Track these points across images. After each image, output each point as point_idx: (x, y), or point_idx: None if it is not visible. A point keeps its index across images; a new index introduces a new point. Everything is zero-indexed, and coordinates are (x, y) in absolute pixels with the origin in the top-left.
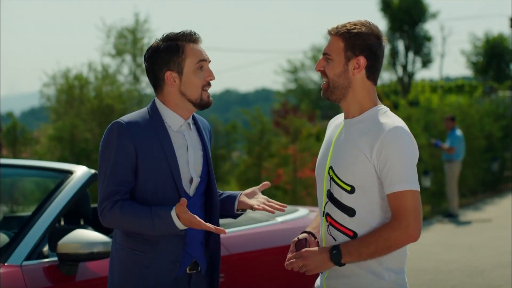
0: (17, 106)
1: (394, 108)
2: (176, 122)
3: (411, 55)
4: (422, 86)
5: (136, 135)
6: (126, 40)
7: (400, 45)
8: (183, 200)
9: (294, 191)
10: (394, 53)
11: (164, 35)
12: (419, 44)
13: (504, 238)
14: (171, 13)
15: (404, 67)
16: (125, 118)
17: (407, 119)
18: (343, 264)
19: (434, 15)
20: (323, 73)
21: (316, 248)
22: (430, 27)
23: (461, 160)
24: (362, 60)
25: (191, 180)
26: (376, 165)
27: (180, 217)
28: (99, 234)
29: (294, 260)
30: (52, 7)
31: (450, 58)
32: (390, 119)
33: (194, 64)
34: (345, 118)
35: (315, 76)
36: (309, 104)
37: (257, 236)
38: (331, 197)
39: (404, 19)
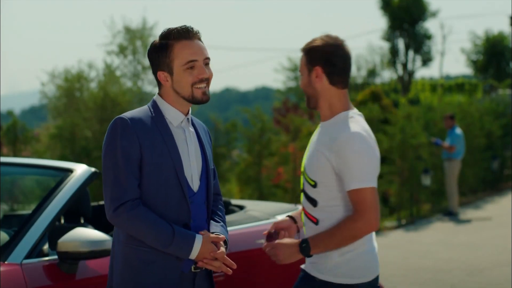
0: (17, 104)
1: (394, 106)
2: (176, 117)
3: (411, 53)
4: (422, 84)
5: (139, 131)
6: (131, 36)
7: (400, 44)
8: (220, 238)
9: (294, 190)
10: (394, 51)
11: (161, 32)
12: (419, 43)
13: (504, 236)
14: (171, 9)
15: (404, 66)
16: (127, 114)
17: (407, 118)
18: (311, 255)
19: (434, 14)
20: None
21: (287, 241)
22: (430, 25)
23: (461, 159)
24: (319, 70)
25: (192, 176)
26: (334, 166)
27: (204, 244)
28: (99, 232)
29: (268, 248)
30: (53, 6)
31: (450, 56)
32: (351, 124)
33: (183, 65)
34: (321, 121)
35: None
36: None
37: (256, 235)
38: (303, 189)
39: (404, 17)
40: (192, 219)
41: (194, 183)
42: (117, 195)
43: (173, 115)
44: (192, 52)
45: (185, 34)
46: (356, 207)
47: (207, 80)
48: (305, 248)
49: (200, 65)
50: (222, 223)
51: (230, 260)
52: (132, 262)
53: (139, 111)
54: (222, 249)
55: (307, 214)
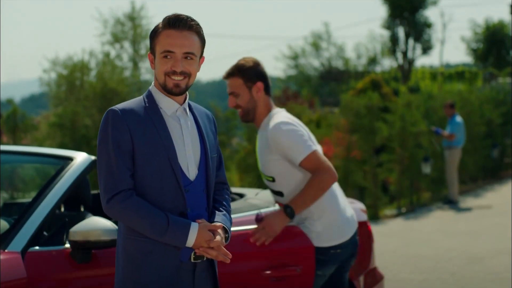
0: (17, 92)
1: (395, 94)
2: (170, 107)
3: (411, 41)
4: (422, 72)
5: (130, 121)
6: (124, 27)
7: (400, 32)
8: (217, 226)
9: None
10: (394, 40)
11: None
12: (419, 31)
13: (504, 225)
14: None
15: (404, 54)
16: (119, 105)
17: (407, 106)
18: (295, 216)
19: (434, 2)
20: (237, 106)
21: (272, 212)
22: (430, 13)
23: (461, 147)
24: (260, 84)
25: (188, 165)
26: (282, 156)
27: (200, 232)
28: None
29: (260, 227)
30: None
31: (450, 44)
32: (272, 120)
33: (160, 53)
34: (258, 128)
35: (316, 62)
36: (310, 91)
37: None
38: (269, 188)
39: (405, 5)
40: (189, 208)
41: (191, 171)
42: (110, 186)
43: (167, 105)
44: (171, 43)
45: (174, 23)
46: (314, 168)
47: (185, 74)
48: (290, 211)
49: (177, 57)
50: (224, 212)
51: (225, 250)
52: (132, 253)
53: (133, 102)
54: (218, 237)
55: (280, 205)
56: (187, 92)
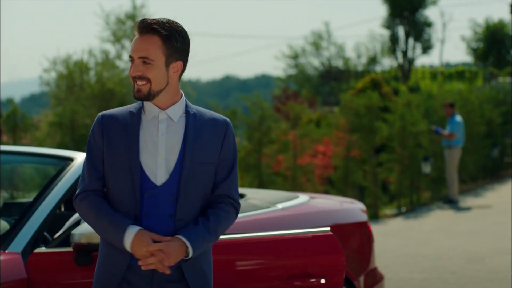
0: (17, 92)
1: (395, 94)
2: (150, 111)
3: (411, 41)
4: (422, 72)
5: (107, 126)
6: (125, 26)
7: (400, 31)
8: (163, 238)
9: (294, 177)
10: (394, 39)
11: None
12: (419, 30)
13: (504, 224)
14: None
15: (404, 53)
16: (107, 111)
17: (407, 105)
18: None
19: (434, 1)
20: None
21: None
22: (430, 13)
23: (461, 146)
24: None
25: (158, 168)
26: None
27: (137, 237)
28: None
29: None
30: None
31: (450, 44)
32: None
33: (129, 57)
34: None
35: (316, 62)
36: (310, 90)
37: (257, 223)
38: None
39: (405, 5)
40: (146, 212)
41: (159, 176)
42: (79, 186)
43: (148, 109)
44: (132, 48)
45: (138, 28)
46: None
47: (143, 79)
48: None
49: (135, 62)
50: (200, 226)
51: (165, 260)
52: (99, 254)
53: (123, 107)
54: (160, 245)
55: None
56: (183, 97)
